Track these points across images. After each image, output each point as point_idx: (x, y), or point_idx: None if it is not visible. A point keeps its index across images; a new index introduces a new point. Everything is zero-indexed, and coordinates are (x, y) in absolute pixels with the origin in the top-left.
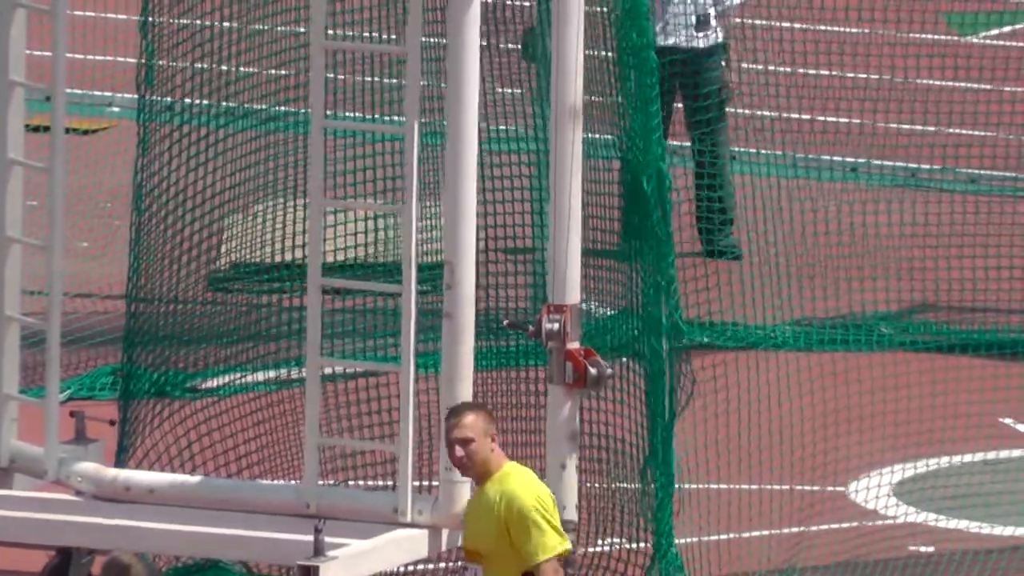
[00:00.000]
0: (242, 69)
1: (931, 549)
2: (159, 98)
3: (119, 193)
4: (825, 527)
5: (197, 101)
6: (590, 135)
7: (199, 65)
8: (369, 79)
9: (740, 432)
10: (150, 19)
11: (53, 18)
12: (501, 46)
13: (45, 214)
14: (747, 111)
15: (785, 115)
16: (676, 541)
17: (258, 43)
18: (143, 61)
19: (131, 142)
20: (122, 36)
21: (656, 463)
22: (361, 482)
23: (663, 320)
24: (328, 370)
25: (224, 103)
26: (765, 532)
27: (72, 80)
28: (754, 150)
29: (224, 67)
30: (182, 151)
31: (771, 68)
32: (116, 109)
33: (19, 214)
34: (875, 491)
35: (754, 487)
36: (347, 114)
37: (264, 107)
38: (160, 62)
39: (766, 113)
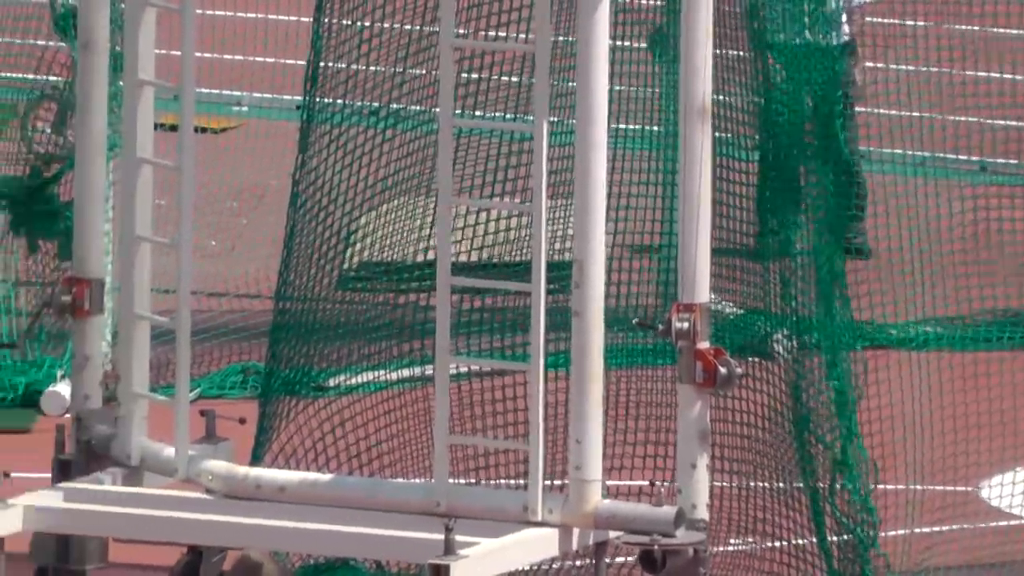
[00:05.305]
0: (408, 71)
1: None
2: (322, 98)
3: (245, 192)
4: (958, 527)
5: (359, 102)
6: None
7: (363, 67)
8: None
9: (872, 432)
10: (324, 19)
11: (182, 17)
12: (628, 44)
13: (173, 212)
14: (878, 110)
15: (915, 114)
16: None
17: (419, 44)
18: (311, 60)
19: (258, 141)
20: (250, 35)
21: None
22: (492, 481)
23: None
24: (458, 369)
25: (375, 103)
26: (901, 532)
27: (200, 79)
28: (883, 149)
29: (383, 68)
30: (339, 148)
31: (898, 67)
32: (244, 108)
33: (149, 213)
34: (1008, 490)
35: (890, 487)
36: (478, 113)
37: (402, 107)
38: (329, 64)
39: (894, 112)
